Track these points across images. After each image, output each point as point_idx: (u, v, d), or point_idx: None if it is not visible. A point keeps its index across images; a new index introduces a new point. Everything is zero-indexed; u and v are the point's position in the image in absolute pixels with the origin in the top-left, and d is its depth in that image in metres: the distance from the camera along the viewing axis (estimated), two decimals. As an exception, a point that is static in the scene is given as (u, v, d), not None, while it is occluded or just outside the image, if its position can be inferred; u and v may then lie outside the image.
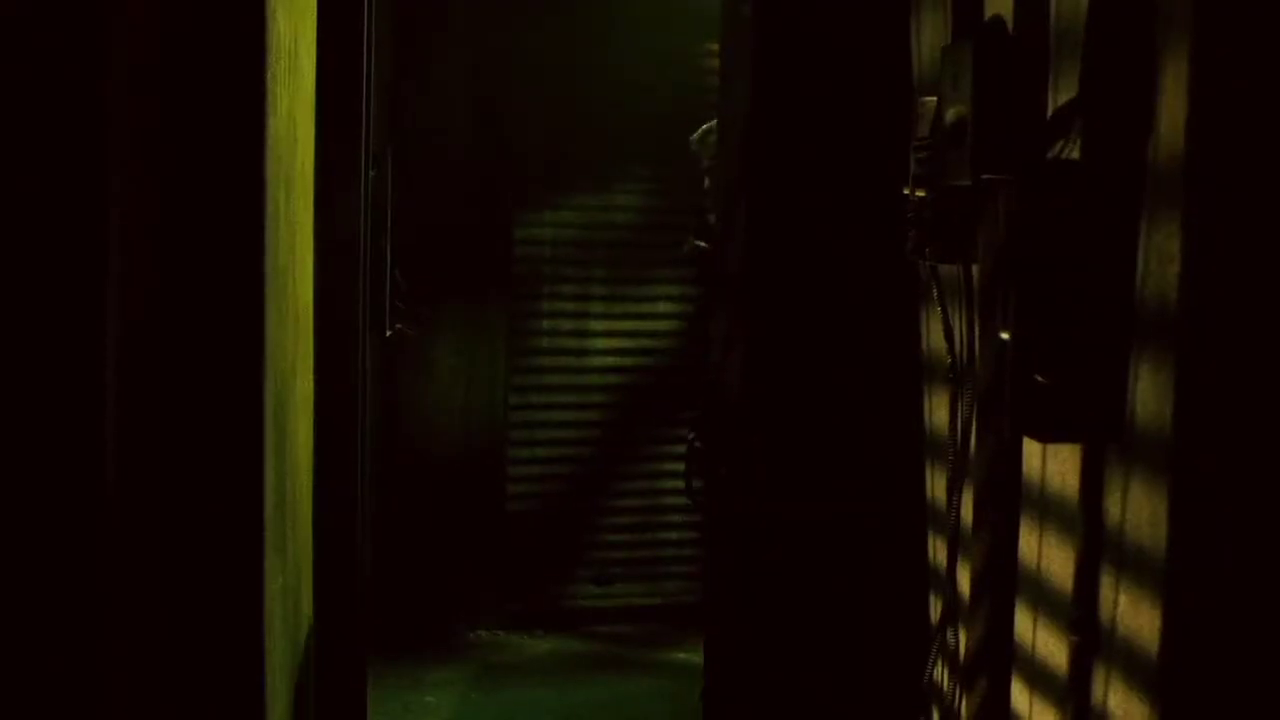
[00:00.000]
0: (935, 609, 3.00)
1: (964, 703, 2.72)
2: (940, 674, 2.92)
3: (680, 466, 5.51)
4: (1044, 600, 2.33)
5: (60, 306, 2.08)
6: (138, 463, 2.32)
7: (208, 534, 2.51)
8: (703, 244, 5.39)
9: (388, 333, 4.81)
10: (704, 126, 5.48)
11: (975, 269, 2.68)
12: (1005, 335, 2.22)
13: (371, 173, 4.36)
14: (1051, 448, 2.29)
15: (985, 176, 2.38)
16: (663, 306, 6.97)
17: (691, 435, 5.43)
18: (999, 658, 2.54)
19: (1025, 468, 2.42)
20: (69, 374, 2.09)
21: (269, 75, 2.57)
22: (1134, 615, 1.98)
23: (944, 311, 2.84)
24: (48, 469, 2.08)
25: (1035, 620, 2.37)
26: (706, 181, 5.41)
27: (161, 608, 2.45)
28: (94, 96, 2.10)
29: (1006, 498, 2.50)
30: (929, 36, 3.00)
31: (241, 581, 2.56)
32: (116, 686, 2.18)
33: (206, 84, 2.47)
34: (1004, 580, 2.51)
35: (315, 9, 3.55)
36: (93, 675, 2.11)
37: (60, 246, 2.08)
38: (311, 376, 3.73)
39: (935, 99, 2.65)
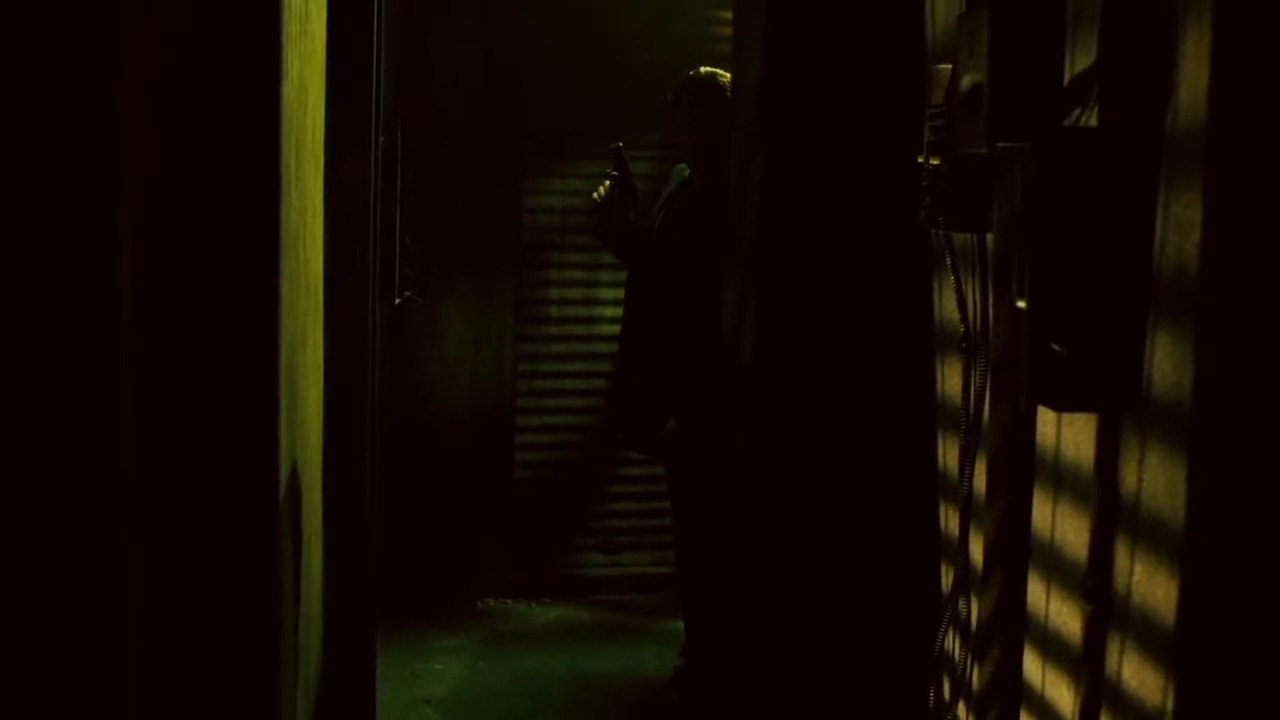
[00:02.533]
0: (947, 578, 2.99)
1: (975, 672, 2.72)
2: (952, 644, 2.91)
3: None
4: (1057, 570, 2.33)
5: (70, 275, 2.07)
6: (151, 429, 2.31)
7: (221, 506, 2.51)
8: (622, 202, 5.30)
9: (397, 300, 4.79)
10: (691, 74, 5.46)
11: (990, 237, 2.67)
12: (1021, 304, 2.21)
13: (381, 139, 4.35)
14: (1066, 417, 2.27)
15: (1001, 144, 2.36)
16: (672, 275, 6.94)
17: (671, 421, 5.40)
18: (1012, 627, 2.54)
19: (1039, 437, 2.41)
20: (81, 343, 2.08)
21: (282, 38, 2.56)
22: (1150, 585, 1.97)
23: (957, 280, 2.83)
24: (63, 439, 2.08)
25: (1049, 590, 2.37)
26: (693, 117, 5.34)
27: (175, 574, 2.45)
28: (105, 58, 2.09)
29: (1020, 467, 2.49)
30: (944, 2, 2.98)
31: (254, 548, 2.56)
32: (129, 643, 2.18)
33: (220, 49, 2.46)
34: (1017, 549, 2.50)
35: (326, -27, 3.54)
36: (107, 623, 2.11)
37: (69, 211, 2.06)
38: (321, 344, 3.73)
39: (950, 66, 2.63)
